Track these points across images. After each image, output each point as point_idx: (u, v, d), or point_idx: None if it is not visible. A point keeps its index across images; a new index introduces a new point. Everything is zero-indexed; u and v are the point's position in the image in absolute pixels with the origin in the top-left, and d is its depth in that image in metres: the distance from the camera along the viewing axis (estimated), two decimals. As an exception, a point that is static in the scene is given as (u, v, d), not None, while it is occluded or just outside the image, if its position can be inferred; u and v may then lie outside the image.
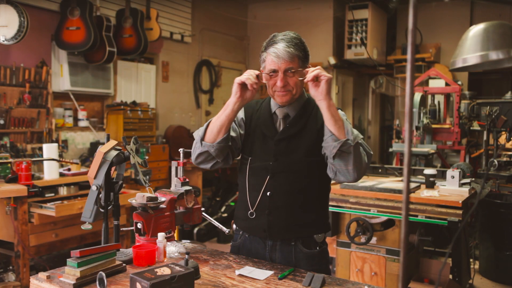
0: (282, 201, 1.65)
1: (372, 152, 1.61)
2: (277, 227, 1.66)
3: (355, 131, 1.52)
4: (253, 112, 1.76)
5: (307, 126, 1.64)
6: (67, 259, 1.38)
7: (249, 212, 1.69)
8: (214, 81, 6.60)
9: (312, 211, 1.65)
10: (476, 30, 2.72)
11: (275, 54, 1.57)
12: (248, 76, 1.57)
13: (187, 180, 1.72)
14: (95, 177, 1.58)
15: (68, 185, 3.47)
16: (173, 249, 1.72)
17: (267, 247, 1.69)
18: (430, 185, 3.01)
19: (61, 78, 4.49)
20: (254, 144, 1.71)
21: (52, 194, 3.34)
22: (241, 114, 1.77)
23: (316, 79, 1.50)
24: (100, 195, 1.58)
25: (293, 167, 1.64)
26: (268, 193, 1.65)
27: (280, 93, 1.61)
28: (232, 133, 1.69)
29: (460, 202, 2.63)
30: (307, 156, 1.63)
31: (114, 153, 1.61)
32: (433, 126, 4.42)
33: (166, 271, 1.27)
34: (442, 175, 3.34)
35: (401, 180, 3.27)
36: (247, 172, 1.71)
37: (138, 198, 1.55)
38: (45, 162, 3.36)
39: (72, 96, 4.60)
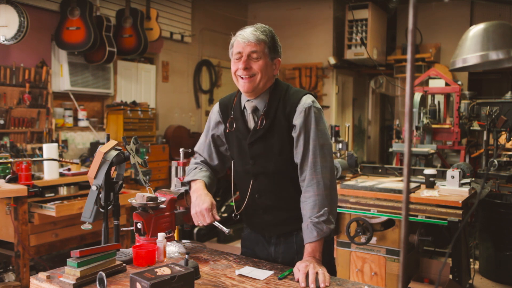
0: (272, 200, 1.68)
1: (334, 170, 1.64)
2: (273, 225, 1.70)
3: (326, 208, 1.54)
4: (228, 112, 1.73)
5: (276, 123, 1.62)
6: (67, 259, 1.38)
7: (244, 212, 1.75)
8: (214, 81, 6.60)
9: None
10: (476, 30, 2.72)
11: (241, 36, 1.59)
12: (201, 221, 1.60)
13: (187, 180, 1.72)
14: (95, 177, 1.58)
15: (68, 185, 3.47)
16: (173, 249, 1.72)
17: (272, 239, 1.72)
18: (430, 185, 3.01)
19: (61, 78, 4.49)
20: (233, 146, 1.72)
21: (52, 194, 3.34)
22: (217, 117, 1.76)
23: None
24: (100, 195, 1.58)
25: (270, 168, 1.64)
26: (256, 195, 1.69)
27: (243, 80, 1.60)
28: (221, 149, 1.79)
29: (460, 202, 2.62)
30: (280, 155, 1.63)
31: (114, 153, 1.61)
32: (433, 126, 4.42)
33: (166, 271, 1.27)
34: (442, 175, 3.34)
35: (401, 180, 3.27)
36: (236, 174, 1.75)
37: (138, 198, 1.55)
38: (45, 162, 3.36)
39: (72, 96, 4.60)
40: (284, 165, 1.63)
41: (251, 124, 1.66)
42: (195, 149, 1.87)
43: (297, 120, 1.58)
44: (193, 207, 1.62)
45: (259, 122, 1.63)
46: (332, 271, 1.66)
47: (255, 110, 1.65)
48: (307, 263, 1.47)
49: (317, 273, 1.42)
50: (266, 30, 1.61)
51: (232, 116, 1.70)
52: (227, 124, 1.71)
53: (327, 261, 1.65)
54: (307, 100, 1.60)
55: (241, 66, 1.58)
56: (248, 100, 1.66)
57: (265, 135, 1.62)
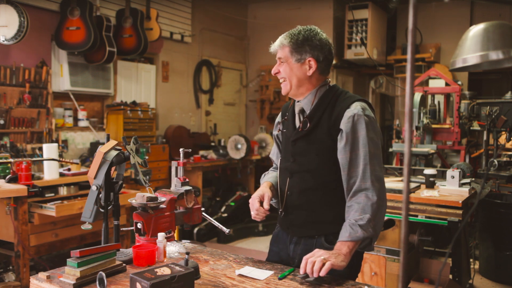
0: (300, 200, 1.69)
1: (382, 198, 1.56)
2: (298, 226, 1.70)
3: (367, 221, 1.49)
4: (285, 113, 1.83)
5: (320, 125, 1.63)
6: (67, 259, 1.38)
7: (279, 210, 1.78)
8: (214, 81, 6.60)
9: (331, 208, 1.64)
10: (476, 30, 2.71)
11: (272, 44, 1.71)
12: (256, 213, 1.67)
13: (187, 180, 1.72)
14: (95, 177, 1.58)
15: (68, 185, 3.47)
16: (173, 249, 1.72)
17: (293, 240, 1.73)
18: (430, 185, 3.01)
19: (61, 78, 4.49)
20: (282, 144, 1.81)
21: (52, 194, 3.34)
22: (279, 118, 1.86)
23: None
24: (100, 195, 1.58)
25: (307, 167, 1.66)
26: (288, 193, 1.72)
27: (280, 83, 1.71)
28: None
29: (460, 202, 2.62)
30: (318, 155, 1.63)
31: (114, 153, 1.61)
32: (433, 126, 4.42)
33: (166, 271, 1.27)
34: (442, 175, 3.34)
35: (401, 180, 3.27)
36: (279, 172, 1.80)
37: (138, 198, 1.55)
38: (45, 162, 3.36)
39: (72, 96, 4.60)
40: (320, 166, 1.64)
41: (297, 123, 1.72)
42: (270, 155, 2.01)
43: (344, 125, 1.57)
44: None
45: (301, 124, 1.67)
46: (347, 272, 1.58)
47: (302, 111, 1.71)
48: (318, 251, 1.45)
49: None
50: (293, 33, 1.65)
51: (285, 118, 1.78)
52: (280, 124, 1.82)
53: (348, 271, 1.57)
54: (357, 106, 1.58)
55: (272, 71, 1.71)
56: (298, 101, 1.72)
57: (307, 135, 1.66)
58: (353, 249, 1.50)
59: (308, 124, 1.64)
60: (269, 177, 1.84)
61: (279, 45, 1.66)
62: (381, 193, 1.54)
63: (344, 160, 1.57)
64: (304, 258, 1.44)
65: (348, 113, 1.57)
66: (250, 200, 1.69)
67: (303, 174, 1.67)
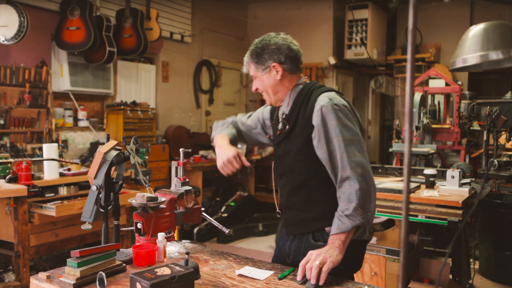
0: (289, 201, 1.73)
1: (370, 185, 1.54)
2: (291, 225, 1.74)
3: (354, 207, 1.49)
4: (273, 115, 1.85)
5: (297, 124, 1.65)
6: (67, 259, 1.38)
7: (277, 211, 1.84)
8: (214, 81, 6.60)
9: (316, 206, 1.65)
10: (476, 30, 2.71)
11: None
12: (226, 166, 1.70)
13: (187, 180, 1.72)
14: (95, 177, 1.58)
15: (68, 185, 3.46)
16: (173, 249, 1.72)
17: (289, 237, 1.76)
18: (430, 185, 3.01)
19: (61, 78, 4.49)
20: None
21: (52, 194, 3.34)
22: (268, 115, 1.87)
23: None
24: (100, 195, 1.58)
25: (289, 167, 1.69)
26: (280, 194, 1.77)
27: (263, 97, 1.76)
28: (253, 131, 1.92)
29: (460, 202, 2.62)
30: (297, 154, 1.65)
31: (114, 153, 1.61)
32: (433, 126, 4.42)
33: (166, 271, 1.27)
34: (442, 175, 3.34)
35: (401, 180, 3.27)
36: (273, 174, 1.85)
37: (138, 198, 1.55)
38: (45, 162, 3.36)
39: (72, 96, 4.61)
40: (300, 165, 1.65)
41: (280, 126, 1.75)
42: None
43: (315, 120, 1.58)
44: (218, 159, 1.72)
45: (280, 126, 1.71)
46: (346, 273, 1.61)
47: (283, 114, 1.74)
48: (311, 254, 1.45)
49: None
50: (251, 48, 1.74)
51: (273, 122, 1.81)
52: (268, 129, 1.87)
53: (346, 262, 1.55)
54: (323, 98, 1.58)
55: (252, 90, 1.79)
56: (280, 106, 1.76)
57: (287, 137, 1.68)
58: (346, 239, 1.50)
59: (287, 126, 1.67)
60: (227, 132, 1.86)
61: (245, 65, 1.75)
62: (364, 178, 1.52)
63: (324, 155, 1.57)
64: (301, 264, 1.45)
65: (316, 107, 1.58)
66: (229, 159, 1.68)
67: (288, 175, 1.71)
